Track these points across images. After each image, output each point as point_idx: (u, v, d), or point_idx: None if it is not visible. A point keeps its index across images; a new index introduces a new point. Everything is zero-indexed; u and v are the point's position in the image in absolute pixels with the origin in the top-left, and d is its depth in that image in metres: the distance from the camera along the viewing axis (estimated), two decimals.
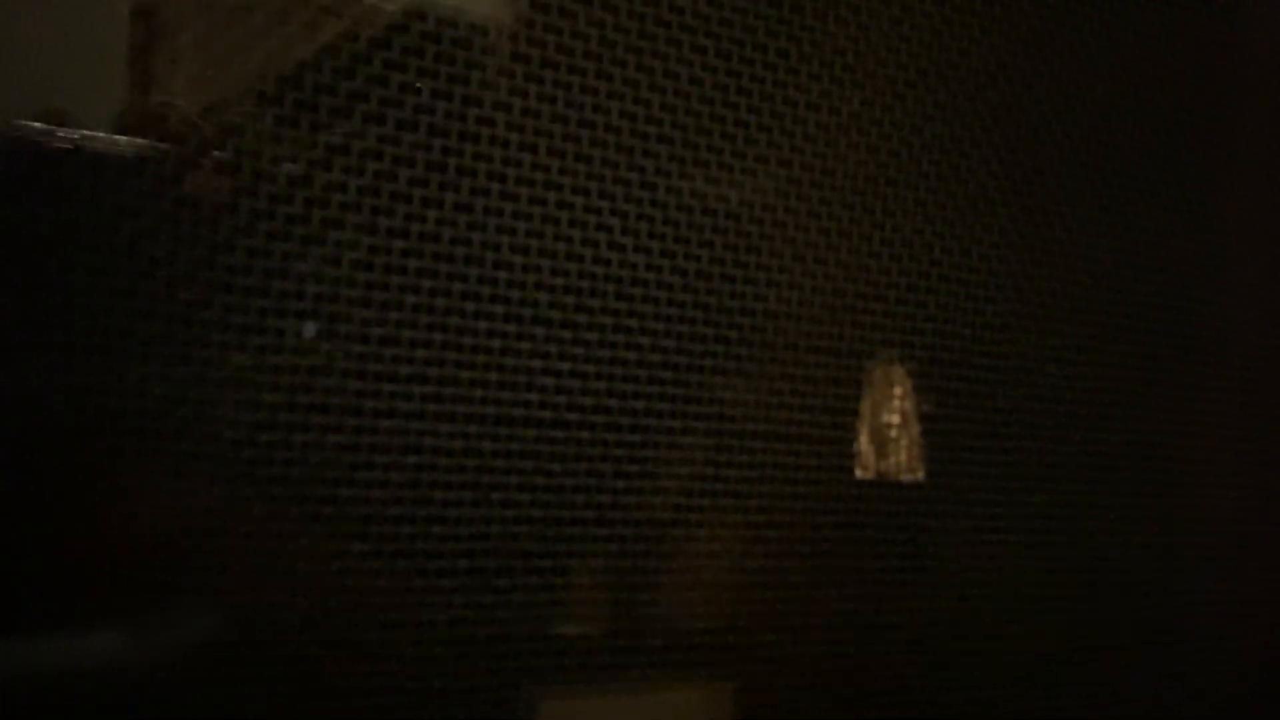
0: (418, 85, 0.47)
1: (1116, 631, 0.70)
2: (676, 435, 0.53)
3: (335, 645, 0.46)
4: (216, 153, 0.44)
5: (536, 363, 0.49)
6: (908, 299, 0.60)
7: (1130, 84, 0.68)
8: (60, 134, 0.43)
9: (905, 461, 0.61)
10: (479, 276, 0.47)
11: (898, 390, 0.60)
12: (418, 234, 0.47)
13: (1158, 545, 0.72)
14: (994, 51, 0.62)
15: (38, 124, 0.42)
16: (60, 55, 0.44)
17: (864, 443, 0.59)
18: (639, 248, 0.51)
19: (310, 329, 0.46)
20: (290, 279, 0.44)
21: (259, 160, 0.44)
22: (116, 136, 0.44)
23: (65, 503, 0.42)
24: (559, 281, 0.49)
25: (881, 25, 0.58)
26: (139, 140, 0.44)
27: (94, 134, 0.43)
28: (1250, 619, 0.77)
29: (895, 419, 0.60)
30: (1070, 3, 0.65)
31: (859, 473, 0.59)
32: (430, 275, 0.47)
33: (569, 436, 0.50)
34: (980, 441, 0.63)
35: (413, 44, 0.47)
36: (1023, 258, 0.64)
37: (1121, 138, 0.68)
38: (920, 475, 0.61)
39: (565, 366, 0.50)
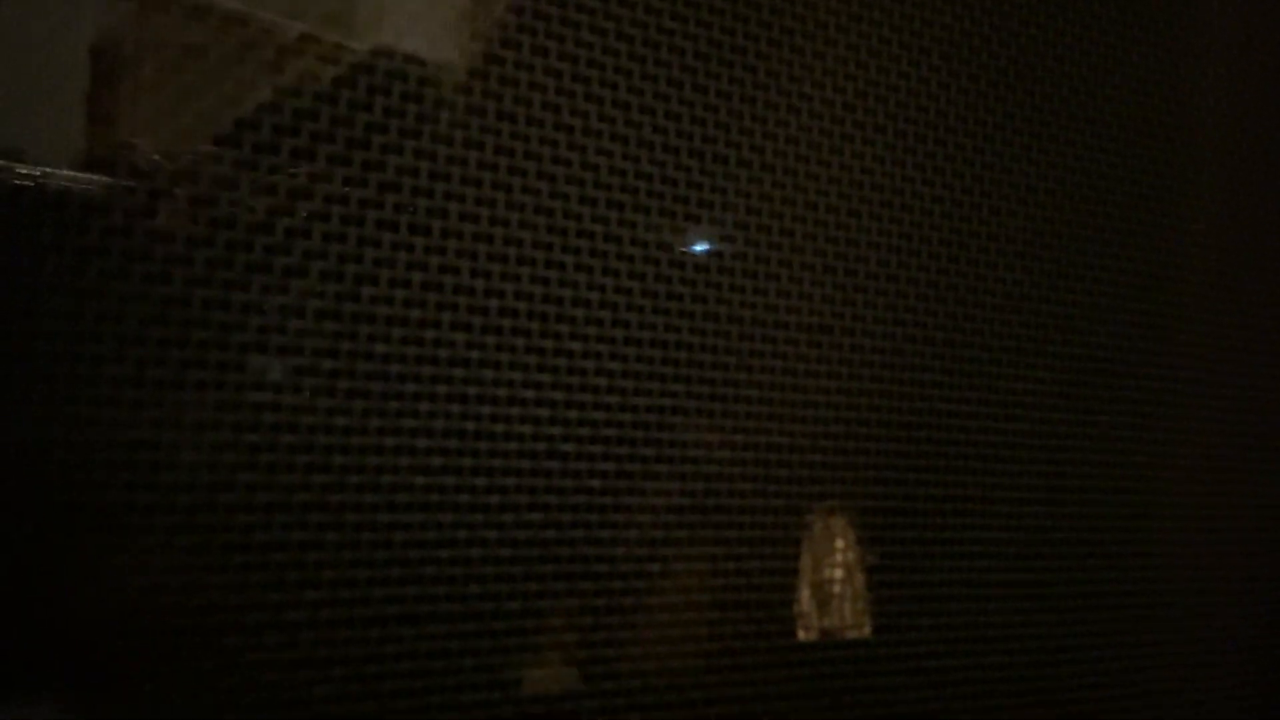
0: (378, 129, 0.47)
1: None
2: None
3: (294, 705, 0.45)
4: (180, 189, 0.43)
5: (506, 392, 0.49)
6: (847, 448, 0.58)
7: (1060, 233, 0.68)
8: (21, 170, 0.41)
9: (850, 618, 0.58)
10: (451, 322, 0.47)
11: (839, 543, 0.58)
12: (388, 280, 0.46)
13: (1120, 694, 0.71)
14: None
15: None
16: (16, 93, 0.43)
17: (805, 601, 0.57)
18: (611, 292, 0.52)
19: (277, 369, 0.45)
20: (268, 314, 0.43)
21: (229, 195, 0.44)
22: (78, 173, 0.43)
23: (18, 563, 0.40)
24: (534, 317, 0.49)
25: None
26: (101, 177, 0.43)
27: (55, 170, 0.42)
28: None
29: (838, 574, 0.58)
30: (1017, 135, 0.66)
31: (801, 634, 0.56)
32: (403, 312, 0.46)
33: (549, 484, 0.49)
34: (926, 590, 0.61)
35: (378, 84, 0.47)
36: (966, 396, 0.63)
37: (1054, 279, 0.67)
38: (866, 632, 0.59)
39: (545, 413, 0.50)
